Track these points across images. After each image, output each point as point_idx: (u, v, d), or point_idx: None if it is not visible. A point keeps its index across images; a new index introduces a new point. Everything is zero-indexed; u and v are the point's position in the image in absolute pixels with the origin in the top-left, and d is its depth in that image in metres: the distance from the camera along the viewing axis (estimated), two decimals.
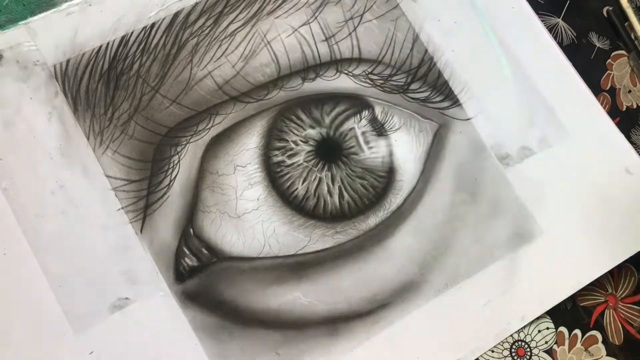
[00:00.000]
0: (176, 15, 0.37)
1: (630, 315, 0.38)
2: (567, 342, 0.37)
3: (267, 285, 0.34)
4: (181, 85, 0.36)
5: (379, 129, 0.38)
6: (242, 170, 0.36)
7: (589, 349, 0.37)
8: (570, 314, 0.37)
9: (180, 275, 0.34)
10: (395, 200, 0.37)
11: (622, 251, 0.38)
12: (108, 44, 0.36)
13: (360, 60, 0.38)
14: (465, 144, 0.38)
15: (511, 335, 0.36)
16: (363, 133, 0.37)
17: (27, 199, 0.33)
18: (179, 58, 0.36)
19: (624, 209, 0.38)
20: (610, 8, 0.42)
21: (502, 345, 0.36)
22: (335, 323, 0.35)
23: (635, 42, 0.42)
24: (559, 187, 0.38)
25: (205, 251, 0.34)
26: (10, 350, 0.32)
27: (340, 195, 0.36)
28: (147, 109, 0.35)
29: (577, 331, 0.37)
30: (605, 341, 0.37)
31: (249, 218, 0.35)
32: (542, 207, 0.38)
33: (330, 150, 0.37)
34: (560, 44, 0.41)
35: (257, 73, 0.37)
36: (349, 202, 0.36)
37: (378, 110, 0.38)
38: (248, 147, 0.36)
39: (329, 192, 0.36)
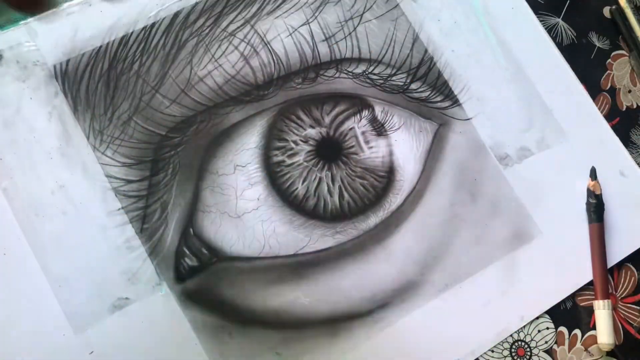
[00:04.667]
0: (176, 15, 0.37)
1: (630, 315, 0.38)
2: (567, 342, 0.37)
3: (267, 285, 0.34)
4: (181, 85, 0.36)
5: (379, 129, 0.38)
6: (242, 170, 0.36)
7: (589, 349, 0.37)
8: (570, 314, 0.37)
9: (180, 275, 0.34)
10: (395, 200, 0.37)
11: (619, 251, 0.38)
12: (108, 44, 0.36)
13: (360, 60, 0.38)
14: (465, 144, 0.38)
15: (511, 335, 0.36)
16: (363, 133, 0.37)
17: (27, 199, 0.33)
18: (179, 58, 0.36)
19: (620, 210, 0.38)
20: (614, 7, 0.42)
21: (502, 345, 0.36)
22: (335, 323, 0.35)
23: (636, 41, 0.42)
24: (557, 187, 0.38)
25: (205, 251, 0.34)
26: (11, 350, 0.32)
27: (340, 195, 0.36)
28: (147, 109, 0.35)
29: (577, 331, 0.37)
30: None
31: (249, 218, 0.35)
32: (541, 207, 0.38)
33: (330, 150, 0.37)
34: (560, 44, 0.41)
35: (257, 73, 0.37)
36: (349, 202, 0.36)
37: (378, 110, 0.38)
38: (248, 147, 0.36)
39: (329, 191, 0.36)
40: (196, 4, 0.37)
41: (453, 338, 0.35)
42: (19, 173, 0.34)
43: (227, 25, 0.37)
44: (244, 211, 0.35)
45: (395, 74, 0.38)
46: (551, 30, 0.42)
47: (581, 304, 0.37)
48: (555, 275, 0.37)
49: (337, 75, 0.38)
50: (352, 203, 0.36)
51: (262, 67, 0.37)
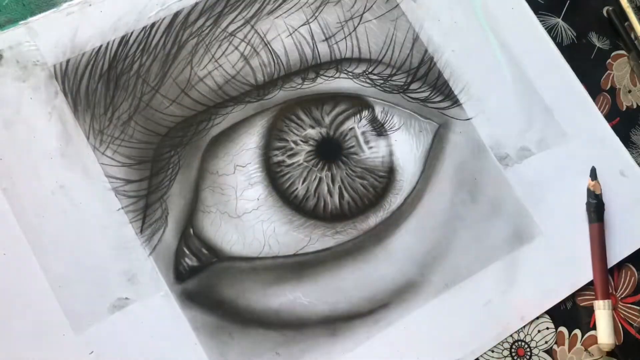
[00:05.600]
0: (176, 15, 0.37)
1: (630, 315, 0.38)
2: (567, 342, 0.37)
3: (267, 285, 0.34)
4: (181, 85, 0.36)
5: (379, 129, 0.38)
6: (242, 170, 0.36)
7: (589, 349, 0.37)
8: (570, 314, 0.37)
9: (180, 275, 0.34)
10: (395, 200, 0.37)
11: (620, 251, 0.38)
12: (108, 44, 0.36)
13: (360, 60, 0.38)
14: (465, 144, 0.38)
15: (511, 335, 0.36)
16: (363, 133, 0.37)
17: (27, 199, 0.33)
18: (179, 58, 0.36)
19: (620, 210, 0.38)
20: (611, 8, 0.42)
21: (502, 345, 0.36)
22: (335, 323, 0.35)
23: (635, 42, 0.42)
24: (557, 187, 0.38)
25: (205, 251, 0.34)
26: (10, 351, 0.32)
27: (340, 195, 0.36)
28: (147, 109, 0.35)
29: (577, 331, 0.37)
30: None
31: (249, 218, 0.35)
32: (541, 207, 0.38)
33: (330, 150, 0.37)
34: (560, 44, 0.41)
35: (257, 73, 0.37)
36: (349, 202, 0.36)
37: (378, 110, 0.38)
38: (248, 147, 0.36)
39: (329, 192, 0.36)
40: (196, 4, 0.37)
41: (453, 338, 0.35)
42: (19, 173, 0.34)
43: (227, 25, 0.37)
44: (244, 211, 0.35)
45: (395, 74, 0.38)
46: (551, 30, 0.42)
47: (581, 304, 0.37)
48: (556, 275, 0.37)
49: (337, 75, 0.38)
50: (352, 203, 0.36)
51: (262, 67, 0.37)
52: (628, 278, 0.38)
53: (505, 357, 0.36)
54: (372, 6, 0.39)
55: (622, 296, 0.38)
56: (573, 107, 0.40)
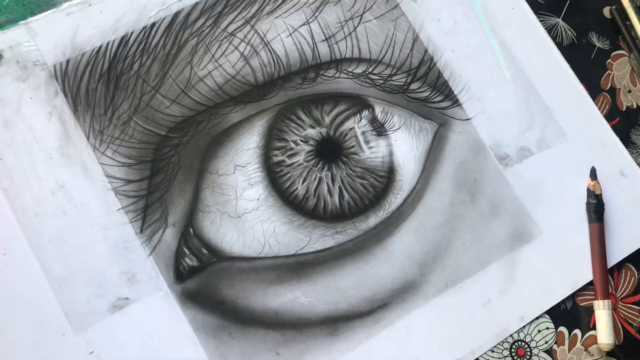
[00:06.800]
0: (176, 15, 0.37)
1: (630, 315, 0.38)
2: (567, 342, 0.37)
3: (267, 285, 0.35)
4: (181, 85, 0.36)
5: (379, 129, 0.38)
6: (242, 170, 0.36)
7: (589, 349, 0.37)
8: (570, 314, 0.37)
9: (180, 275, 0.34)
10: (395, 200, 0.37)
11: (620, 251, 0.38)
12: (108, 44, 0.36)
13: (360, 60, 0.38)
14: (465, 144, 0.38)
15: (511, 335, 0.36)
16: (363, 133, 0.37)
17: (27, 199, 0.33)
18: (179, 58, 0.36)
19: (620, 210, 0.38)
20: (614, 7, 0.42)
21: (502, 345, 0.36)
22: (335, 323, 0.35)
23: (637, 41, 0.42)
24: (557, 187, 0.39)
25: (205, 251, 0.34)
26: (11, 350, 0.32)
27: (341, 195, 0.36)
28: (147, 109, 0.35)
29: (577, 331, 0.37)
30: None
31: (249, 218, 0.35)
32: (541, 207, 0.38)
33: (330, 150, 0.37)
34: (560, 44, 0.41)
35: (257, 73, 0.37)
36: (349, 202, 0.36)
37: (378, 110, 0.38)
38: (248, 147, 0.36)
39: (329, 192, 0.36)
40: (196, 4, 0.37)
41: (453, 338, 0.35)
42: (19, 173, 0.34)
43: (227, 25, 0.37)
44: (244, 211, 0.35)
45: (395, 74, 0.38)
46: (551, 30, 0.42)
47: (581, 304, 0.37)
48: (555, 275, 0.37)
49: (337, 75, 0.38)
50: (352, 203, 0.36)
51: (262, 67, 0.37)
52: (628, 278, 0.38)
53: (505, 357, 0.36)
54: (372, 6, 0.39)
55: (622, 296, 0.38)
56: (573, 107, 0.40)
